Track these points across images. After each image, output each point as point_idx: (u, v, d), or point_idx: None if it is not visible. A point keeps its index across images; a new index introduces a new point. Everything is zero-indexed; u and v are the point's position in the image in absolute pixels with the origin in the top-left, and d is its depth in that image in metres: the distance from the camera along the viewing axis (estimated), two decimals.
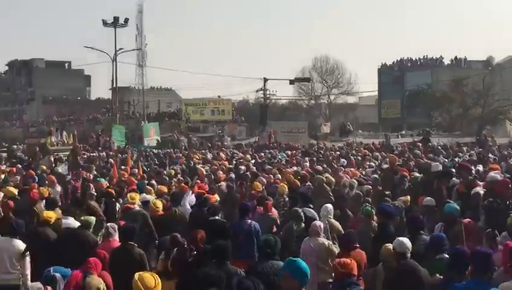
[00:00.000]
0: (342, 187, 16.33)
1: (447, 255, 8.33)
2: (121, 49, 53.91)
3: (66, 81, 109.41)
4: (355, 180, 16.35)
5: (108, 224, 11.06)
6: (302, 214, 11.64)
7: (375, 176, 18.15)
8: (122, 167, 24.71)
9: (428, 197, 12.21)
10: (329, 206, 12.13)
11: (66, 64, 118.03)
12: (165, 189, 16.48)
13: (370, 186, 15.76)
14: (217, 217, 12.23)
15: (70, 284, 7.85)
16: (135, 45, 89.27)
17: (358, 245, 9.60)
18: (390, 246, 8.61)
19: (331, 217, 11.78)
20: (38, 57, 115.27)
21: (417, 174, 16.79)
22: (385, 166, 20.80)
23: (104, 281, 8.25)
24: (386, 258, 8.66)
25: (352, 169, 21.17)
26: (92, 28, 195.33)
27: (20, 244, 10.27)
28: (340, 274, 7.41)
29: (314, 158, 27.17)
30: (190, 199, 14.85)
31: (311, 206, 12.98)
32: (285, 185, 15.68)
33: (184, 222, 13.07)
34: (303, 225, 11.37)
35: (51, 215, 11.53)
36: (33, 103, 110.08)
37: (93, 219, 11.35)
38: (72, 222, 11.57)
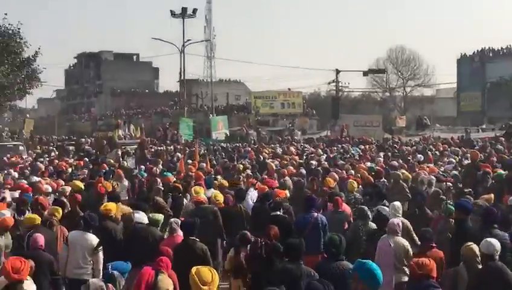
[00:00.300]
0: (419, 184, 15.95)
1: None
2: (188, 40, 54.24)
3: (134, 74, 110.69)
4: (433, 177, 15.88)
5: (172, 220, 11.13)
6: (368, 212, 11.50)
7: (455, 172, 17.68)
8: (189, 161, 24.66)
9: None
10: (397, 203, 11.86)
11: (134, 57, 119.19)
12: (226, 183, 16.37)
13: (450, 184, 15.28)
14: (278, 213, 12.10)
15: (141, 280, 7.92)
16: (203, 36, 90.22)
17: (435, 244, 9.37)
18: (472, 245, 8.33)
19: (400, 215, 11.47)
20: (107, 49, 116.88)
21: (501, 171, 16.17)
22: (466, 162, 20.23)
23: (172, 280, 8.34)
24: (467, 259, 8.35)
25: (430, 165, 20.63)
26: (160, 19, 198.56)
27: (93, 239, 10.39)
28: (418, 275, 7.14)
29: (389, 153, 26.73)
30: (252, 194, 14.87)
31: (386, 203, 12.69)
32: (354, 182, 15.38)
33: (248, 218, 13.13)
34: (370, 223, 11.24)
35: (110, 207, 11.64)
36: (101, 96, 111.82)
37: (161, 217, 11.45)
38: (143, 217, 11.61)
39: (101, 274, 9.84)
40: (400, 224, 10.30)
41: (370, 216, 11.43)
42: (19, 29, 46.57)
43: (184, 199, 15.03)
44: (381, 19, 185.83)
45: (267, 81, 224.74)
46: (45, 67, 48.11)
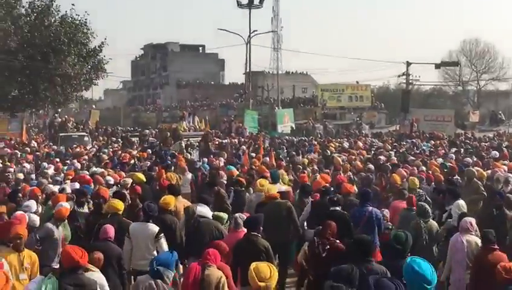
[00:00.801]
0: (495, 182, 15.29)
1: None
2: (255, 31, 53.89)
3: (200, 65, 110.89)
4: (511, 175, 15.17)
5: (237, 215, 11.03)
6: (429, 209, 11.41)
7: None
8: (254, 155, 24.62)
9: None
10: (461, 202, 11.81)
11: (200, 48, 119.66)
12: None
13: None
14: (337, 208, 11.91)
15: (189, 276, 7.91)
16: (270, 28, 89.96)
17: (497, 247, 9.10)
18: None
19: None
20: (173, 40, 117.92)
21: None
22: None
23: (224, 272, 8.26)
24: None
25: (506, 162, 19.83)
26: (226, 9, 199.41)
27: (154, 227, 10.43)
28: (503, 280, 6.90)
29: (462, 149, 25.96)
30: None
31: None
32: (416, 179, 14.93)
33: None
34: (431, 221, 11.24)
35: (169, 200, 11.60)
36: (167, 87, 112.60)
37: (225, 216, 11.59)
38: (206, 211, 11.64)
39: None
40: (473, 222, 10.18)
41: (431, 213, 11.41)
42: (85, 19, 47.52)
43: (246, 193, 14.78)
44: (455, 10, 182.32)
45: (334, 74, 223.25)
46: (111, 58, 48.92)
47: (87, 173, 18.21)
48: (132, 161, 23.17)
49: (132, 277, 10.29)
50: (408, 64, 51.37)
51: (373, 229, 11.54)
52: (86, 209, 12.23)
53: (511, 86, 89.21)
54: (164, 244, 10.30)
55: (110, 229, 9.82)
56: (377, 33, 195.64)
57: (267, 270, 6.93)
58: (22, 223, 9.76)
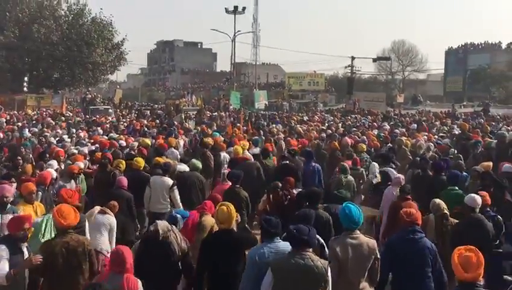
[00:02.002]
0: (418, 149, 14.47)
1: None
2: (239, 31, 52.85)
3: (198, 57, 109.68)
4: (431, 143, 14.39)
5: (224, 171, 10.78)
6: (348, 167, 11.05)
7: (447, 140, 16.14)
8: (238, 125, 23.91)
9: (508, 164, 10.27)
10: (375, 164, 11.61)
11: (199, 44, 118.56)
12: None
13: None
14: (287, 162, 11.79)
15: (188, 221, 7.53)
16: (251, 29, 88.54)
17: (410, 197, 8.53)
18: (439, 201, 7.87)
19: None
20: (179, 38, 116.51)
21: (490, 140, 14.48)
22: (456, 132, 18.63)
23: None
24: (434, 211, 7.85)
25: (426, 133, 19.07)
26: (219, 15, 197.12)
27: (169, 181, 10.02)
28: (407, 223, 6.11)
29: (392, 122, 25.26)
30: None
31: (393, 166, 11.46)
32: (364, 145, 14.06)
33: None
34: (350, 177, 10.81)
35: (140, 162, 10.89)
36: (174, 74, 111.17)
37: (199, 164, 11.01)
38: (184, 167, 11.19)
39: (181, 206, 9.67)
40: (402, 178, 9.67)
41: (349, 170, 10.99)
42: (111, 20, 46.60)
43: (223, 154, 13.75)
44: (388, 16, 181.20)
45: (298, 64, 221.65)
46: (130, 50, 49.12)
47: (106, 137, 17.28)
48: (144, 128, 22.09)
49: (148, 218, 10.01)
50: (352, 58, 50.46)
51: (314, 178, 11.61)
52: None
53: (427, 76, 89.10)
54: (177, 193, 9.91)
55: (124, 180, 9.39)
56: (330, 34, 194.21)
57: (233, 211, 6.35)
58: (39, 178, 9.09)
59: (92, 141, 16.44)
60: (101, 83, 57.27)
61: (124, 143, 15.22)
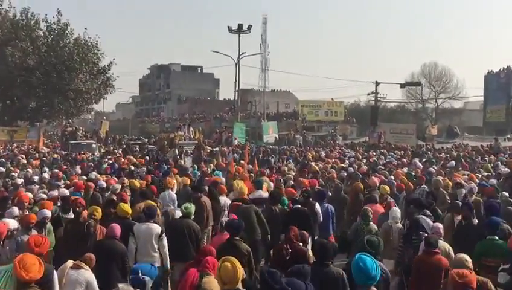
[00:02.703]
0: (457, 191, 13.83)
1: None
2: (243, 53, 52.96)
3: (198, 84, 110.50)
4: (475, 185, 13.77)
5: (222, 219, 10.46)
6: (370, 212, 10.84)
7: (494, 181, 15.53)
8: (241, 162, 23.49)
9: None
10: (396, 209, 11.32)
11: (199, 69, 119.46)
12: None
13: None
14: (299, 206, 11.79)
15: (186, 282, 7.12)
16: (259, 51, 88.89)
17: (438, 251, 8.31)
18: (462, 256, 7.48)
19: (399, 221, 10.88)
20: (175, 62, 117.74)
21: None
22: (503, 170, 18.03)
23: None
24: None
25: (466, 172, 18.50)
26: (222, 36, 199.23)
27: (157, 227, 9.90)
28: (459, 286, 6.05)
29: (424, 159, 24.74)
30: None
31: (428, 212, 10.83)
32: (386, 186, 13.81)
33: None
34: (372, 225, 10.65)
35: (127, 209, 10.71)
36: (169, 102, 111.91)
37: (193, 208, 10.80)
38: (177, 212, 11.40)
39: (168, 258, 9.77)
40: (442, 228, 9.42)
41: (370, 217, 10.79)
42: (96, 41, 46.79)
43: (224, 199, 13.52)
44: (418, 37, 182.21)
45: (313, 92, 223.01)
46: (118, 75, 48.39)
47: (85, 178, 16.96)
48: (132, 167, 21.73)
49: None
50: (377, 84, 50.58)
51: (329, 221, 12.26)
52: (72, 215, 10.82)
53: (463, 104, 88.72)
54: (165, 242, 9.82)
55: (117, 229, 9.24)
56: (350, 56, 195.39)
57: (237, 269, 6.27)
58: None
59: (68, 182, 16.17)
60: (84, 114, 57.37)
61: (104, 184, 14.90)
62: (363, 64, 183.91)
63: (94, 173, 18.78)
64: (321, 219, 12.18)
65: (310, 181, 15.78)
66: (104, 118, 76.79)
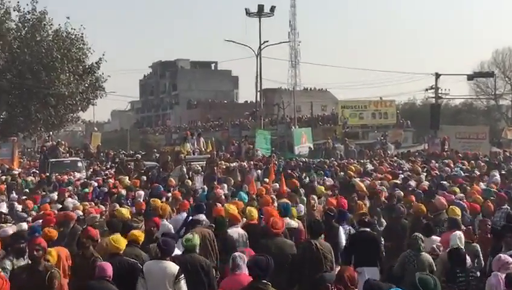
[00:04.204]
0: None
1: None
2: (265, 42, 52.26)
3: (212, 83, 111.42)
4: None
5: (236, 254, 10.04)
6: (421, 239, 11.00)
7: None
8: (266, 180, 23.74)
9: None
10: (459, 233, 11.11)
11: (213, 65, 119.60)
12: None
13: None
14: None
15: None
16: (288, 44, 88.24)
17: None
18: None
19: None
20: (182, 57, 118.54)
21: None
22: None
23: None
24: None
25: None
26: (239, 23, 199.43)
27: (173, 267, 9.84)
28: None
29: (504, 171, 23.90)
30: None
31: None
32: (457, 208, 13.56)
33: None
34: (425, 254, 10.81)
35: (119, 241, 10.68)
36: (177, 108, 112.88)
37: (197, 238, 10.75)
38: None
39: None
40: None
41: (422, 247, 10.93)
42: (81, 33, 46.39)
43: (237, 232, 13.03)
44: (487, 17, 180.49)
45: (356, 89, 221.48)
46: (110, 75, 47.96)
47: (59, 206, 16.84)
48: (123, 191, 21.39)
49: None
50: (437, 76, 49.72)
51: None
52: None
53: None
54: (184, 287, 9.77)
55: (108, 267, 9.32)
56: (401, 43, 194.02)
57: None
58: None
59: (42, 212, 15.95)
60: (69, 124, 57.18)
61: (79, 213, 14.98)
62: (419, 52, 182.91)
63: (71, 199, 18.59)
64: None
65: (339, 200, 15.85)
66: (96, 129, 77.04)
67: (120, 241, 10.54)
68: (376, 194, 17.98)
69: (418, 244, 10.77)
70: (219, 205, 16.22)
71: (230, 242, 12.31)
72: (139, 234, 11.24)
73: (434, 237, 12.12)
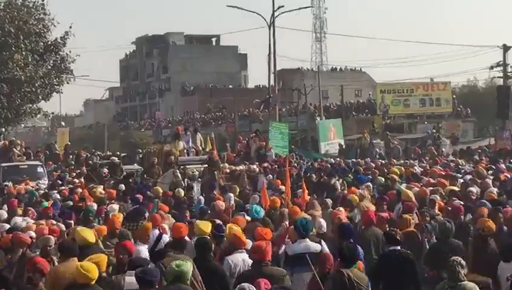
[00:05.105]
0: None
1: None
2: (280, 7, 52.30)
3: (213, 63, 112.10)
4: None
5: (245, 285, 9.90)
6: (460, 268, 10.69)
7: None
8: (282, 188, 23.36)
9: None
10: None
11: (214, 40, 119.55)
12: None
13: None
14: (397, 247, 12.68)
15: None
16: (311, 10, 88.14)
17: None
18: None
19: None
20: (175, 30, 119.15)
21: None
22: None
23: None
24: None
25: None
26: None
27: None
28: None
29: None
30: None
31: None
32: None
33: None
34: (464, 284, 10.63)
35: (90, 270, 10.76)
36: (168, 96, 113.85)
37: (189, 265, 10.90)
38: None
39: None
40: None
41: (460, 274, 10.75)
42: (42, 1, 46.23)
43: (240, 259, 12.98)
44: None
45: (398, 68, 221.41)
46: (79, 54, 47.67)
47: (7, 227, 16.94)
48: (93, 205, 21.35)
49: None
50: (505, 49, 49.22)
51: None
52: None
53: None
54: None
55: None
56: (456, 10, 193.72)
57: None
58: None
59: None
60: (27, 118, 57.19)
61: (33, 235, 14.93)
62: (481, 20, 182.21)
63: (20, 218, 18.58)
64: None
65: (368, 212, 16.38)
66: (63, 124, 77.02)
67: (93, 269, 10.58)
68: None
69: (455, 272, 10.57)
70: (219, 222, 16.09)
71: (220, 276, 12.27)
72: (100, 259, 11.30)
73: None
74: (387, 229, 14.27)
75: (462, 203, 17.95)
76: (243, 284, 9.88)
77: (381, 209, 17.77)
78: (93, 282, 10.52)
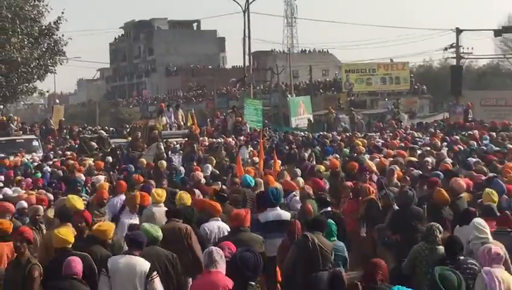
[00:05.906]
0: None
1: None
2: None
3: (194, 46, 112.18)
4: None
5: (213, 248, 9.75)
6: (438, 231, 10.78)
7: None
8: (255, 159, 23.50)
9: None
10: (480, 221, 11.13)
11: (195, 25, 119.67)
12: None
13: None
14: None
15: None
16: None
17: None
18: None
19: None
20: (159, 16, 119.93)
21: None
22: None
23: None
24: None
25: None
26: None
27: (144, 264, 9.90)
28: None
29: None
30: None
31: None
32: (494, 193, 13.27)
33: None
34: (440, 249, 10.58)
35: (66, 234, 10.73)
36: (154, 75, 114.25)
37: (157, 230, 10.90)
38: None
39: None
40: None
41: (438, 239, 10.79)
42: None
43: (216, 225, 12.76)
44: None
45: (362, 49, 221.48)
46: (71, 37, 47.36)
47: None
48: (81, 175, 21.31)
49: None
50: (458, 32, 49.26)
51: None
52: None
53: None
54: (159, 287, 9.86)
55: (77, 264, 9.48)
56: None
57: None
58: None
59: None
60: (23, 97, 56.77)
61: (25, 204, 14.57)
62: (436, 4, 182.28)
63: (11, 188, 18.57)
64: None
65: (314, 181, 16.35)
66: (57, 101, 76.55)
67: (68, 234, 10.51)
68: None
69: (434, 235, 10.55)
70: (197, 191, 15.97)
71: (200, 241, 12.08)
72: (107, 227, 11.22)
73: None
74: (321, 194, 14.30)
75: (420, 172, 17.69)
76: (211, 247, 9.73)
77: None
78: (69, 246, 10.33)
